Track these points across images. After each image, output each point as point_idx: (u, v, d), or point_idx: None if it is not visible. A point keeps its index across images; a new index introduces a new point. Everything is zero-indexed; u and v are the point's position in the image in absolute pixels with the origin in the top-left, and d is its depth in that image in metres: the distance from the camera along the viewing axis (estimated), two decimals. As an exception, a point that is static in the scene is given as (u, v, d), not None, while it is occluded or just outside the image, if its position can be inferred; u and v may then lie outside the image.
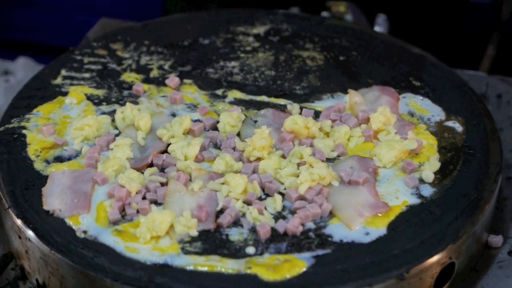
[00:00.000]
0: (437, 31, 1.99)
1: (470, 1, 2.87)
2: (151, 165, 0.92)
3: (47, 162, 0.93)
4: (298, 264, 0.80)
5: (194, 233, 0.83)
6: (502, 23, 2.64)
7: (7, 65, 1.45)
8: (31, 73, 1.36)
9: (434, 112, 1.01)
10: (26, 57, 1.46)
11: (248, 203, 0.87)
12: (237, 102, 1.02)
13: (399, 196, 0.88)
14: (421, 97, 1.03)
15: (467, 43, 2.57)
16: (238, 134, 0.96)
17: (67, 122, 0.98)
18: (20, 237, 0.85)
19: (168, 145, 0.94)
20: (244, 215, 0.86)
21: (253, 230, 0.84)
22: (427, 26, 1.97)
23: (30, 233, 0.83)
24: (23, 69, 1.43)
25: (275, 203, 0.87)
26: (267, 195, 0.89)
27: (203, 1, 1.36)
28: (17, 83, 1.38)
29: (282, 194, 0.88)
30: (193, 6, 1.23)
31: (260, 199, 0.88)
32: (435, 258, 0.81)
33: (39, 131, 0.96)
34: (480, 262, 0.90)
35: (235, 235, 0.84)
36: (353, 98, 1.00)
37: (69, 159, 0.93)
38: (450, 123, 0.99)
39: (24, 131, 0.97)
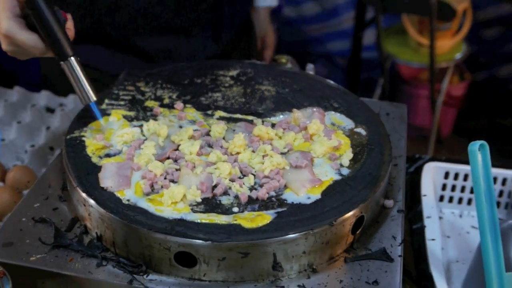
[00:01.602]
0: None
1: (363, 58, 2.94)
2: (168, 158, 0.95)
3: (100, 157, 0.95)
4: (266, 217, 0.83)
5: (199, 199, 0.86)
6: (385, 71, 2.72)
7: (61, 100, 1.45)
8: (80, 104, 1.37)
9: (347, 123, 1.04)
10: (75, 95, 1.46)
11: (232, 180, 0.90)
12: (221, 118, 1.04)
13: (328, 174, 0.92)
14: (339, 114, 1.06)
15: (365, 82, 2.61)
16: (224, 138, 0.99)
17: (111, 132, 1.00)
18: (84, 205, 0.87)
19: (179, 145, 0.96)
20: (230, 188, 0.88)
21: (236, 197, 0.87)
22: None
23: (92, 202, 0.85)
24: (74, 102, 1.42)
25: (249, 180, 0.90)
26: (244, 176, 0.91)
27: None
28: (69, 111, 1.38)
29: (254, 175, 0.91)
30: None
31: (240, 178, 0.91)
32: (351, 213, 0.85)
33: (94, 138, 0.98)
34: (380, 216, 0.93)
35: (225, 200, 0.87)
36: (296, 114, 1.03)
37: (114, 155, 0.95)
38: (358, 130, 1.02)
39: (83, 138, 0.98)
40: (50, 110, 1.43)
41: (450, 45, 2.75)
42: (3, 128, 1.34)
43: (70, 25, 0.99)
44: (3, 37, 0.95)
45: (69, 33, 0.98)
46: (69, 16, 1.00)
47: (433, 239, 0.99)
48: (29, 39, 0.94)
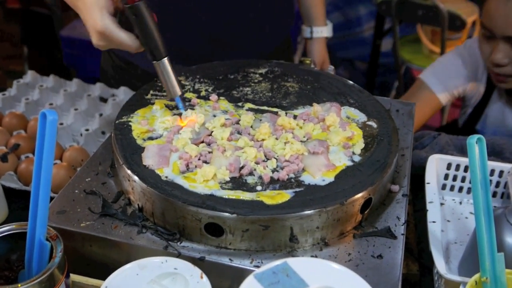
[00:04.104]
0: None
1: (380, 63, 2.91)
2: (202, 142, 0.95)
3: (144, 140, 0.95)
4: (285, 195, 0.83)
5: (227, 178, 0.86)
6: (400, 75, 2.69)
7: (113, 91, 1.46)
8: (128, 95, 1.38)
9: (361, 116, 1.03)
10: (125, 87, 1.47)
11: (257, 163, 0.90)
12: (250, 109, 1.04)
13: (341, 161, 0.91)
14: (353, 108, 1.05)
15: (381, 84, 2.58)
16: (251, 127, 0.99)
17: (154, 118, 1.00)
18: (129, 180, 0.88)
19: (212, 132, 0.97)
20: (255, 169, 0.89)
21: (260, 177, 0.87)
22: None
23: (135, 178, 0.86)
24: (123, 93, 1.44)
25: (272, 163, 0.90)
26: (268, 159, 0.91)
27: None
28: (120, 100, 1.39)
29: (276, 159, 0.91)
30: None
31: (264, 161, 0.91)
32: (360, 194, 0.84)
33: (139, 123, 0.99)
34: (386, 199, 0.93)
35: (250, 180, 0.87)
36: (315, 108, 1.03)
37: (156, 138, 0.96)
38: (369, 123, 1.02)
39: (130, 123, 0.99)
40: (103, 100, 1.44)
41: (460, 53, 2.71)
42: (62, 114, 1.36)
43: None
44: (97, 33, 0.93)
45: None
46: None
47: (433, 222, 0.97)
48: (126, 39, 0.94)
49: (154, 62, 0.97)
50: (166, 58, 0.97)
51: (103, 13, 0.92)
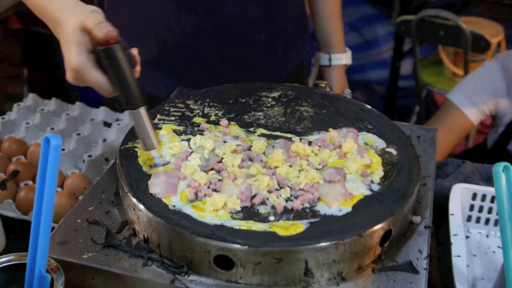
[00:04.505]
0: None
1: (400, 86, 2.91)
2: (212, 169, 0.95)
3: (150, 166, 0.96)
4: (299, 226, 0.83)
5: (238, 208, 0.87)
6: (420, 99, 2.69)
7: (118, 115, 1.47)
8: None
9: (379, 143, 1.04)
10: None
11: (269, 191, 0.90)
12: (262, 135, 1.05)
13: (359, 189, 0.91)
14: (371, 134, 1.06)
15: (401, 109, 2.58)
16: (264, 153, 0.99)
17: (162, 144, 1.00)
18: (134, 209, 0.88)
19: (222, 158, 0.97)
20: (267, 198, 0.89)
21: (273, 207, 0.87)
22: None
23: (141, 206, 0.86)
24: (128, 117, 1.43)
25: (286, 192, 0.90)
26: (281, 188, 0.91)
27: None
28: (125, 125, 1.41)
29: (290, 187, 0.91)
30: None
31: (277, 190, 0.91)
32: (380, 226, 0.84)
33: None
34: (407, 231, 0.92)
35: (262, 209, 0.87)
36: (331, 134, 1.03)
37: (164, 165, 0.96)
38: (389, 149, 1.02)
39: (136, 149, 1.00)
40: (107, 125, 1.45)
41: (484, 76, 2.71)
42: (64, 139, 1.37)
43: (137, 66, 0.94)
44: (72, 71, 0.90)
45: (136, 74, 0.92)
46: (135, 52, 0.93)
47: (458, 256, 0.97)
48: (99, 81, 0.90)
49: (128, 111, 0.92)
50: (142, 108, 0.92)
51: (79, 49, 0.88)
